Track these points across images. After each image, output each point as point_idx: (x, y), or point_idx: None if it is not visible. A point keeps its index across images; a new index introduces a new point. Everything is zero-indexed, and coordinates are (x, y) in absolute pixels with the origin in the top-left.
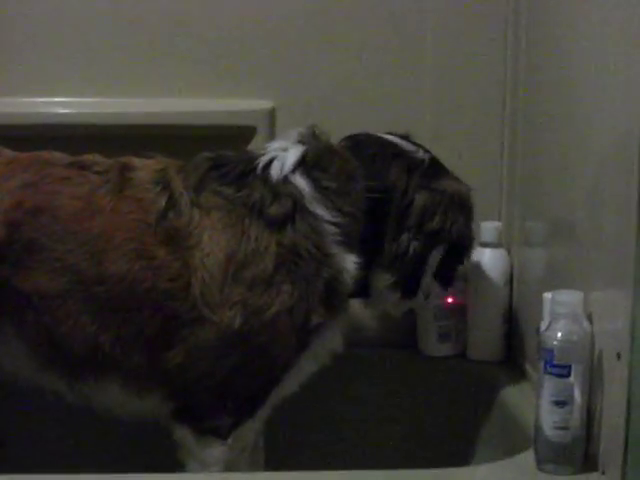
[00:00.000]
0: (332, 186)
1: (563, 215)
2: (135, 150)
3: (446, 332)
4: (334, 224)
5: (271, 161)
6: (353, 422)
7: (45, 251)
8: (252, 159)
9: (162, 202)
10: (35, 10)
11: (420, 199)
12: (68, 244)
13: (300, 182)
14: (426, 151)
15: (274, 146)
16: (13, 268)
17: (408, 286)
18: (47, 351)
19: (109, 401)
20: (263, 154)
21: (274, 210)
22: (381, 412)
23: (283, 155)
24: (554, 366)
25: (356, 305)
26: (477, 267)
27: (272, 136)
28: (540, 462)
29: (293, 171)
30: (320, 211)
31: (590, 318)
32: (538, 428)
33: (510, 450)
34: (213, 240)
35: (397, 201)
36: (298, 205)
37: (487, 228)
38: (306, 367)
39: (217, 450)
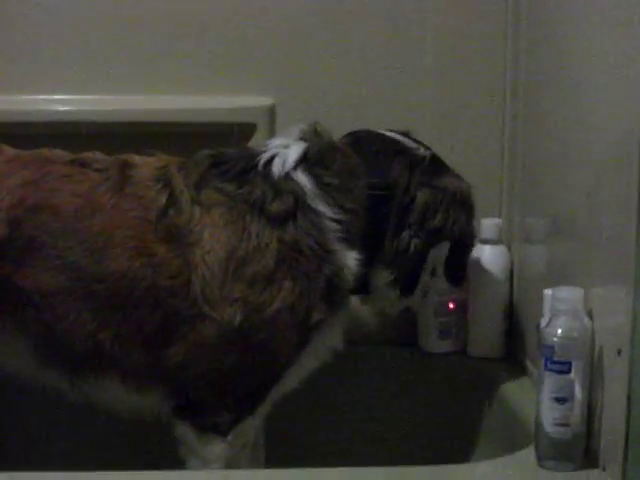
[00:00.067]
0: (334, 183)
1: (563, 212)
2: (135, 147)
3: (446, 329)
4: (336, 221)
5: (272, 158)
6: (353, 419)
7: (46, 248)
8: (253, 156)
9: (163, 199)
10: (35, 8)
11: (422, 196)
12: (69, 241)
13: (302, 179)
14: (427, 148)
15: (275, 143)
16: (14, 265)
17: (407, 284)
18: (48, 348)
19: (109, 398)
20: (264, 151)
21: (275, 207)
22: (381, 409)
23: (284, 152)
24: (554, 362)
25: (356, 302)
26: (477, 264)
27: (272, 133)
28: (541, 459)
29: (295, 168)
30: (322, 208)
31: (590, 314)
32: (538, 424)
33: (510, 447)
34: (214, 237)
35: (399, 198)
36: (299, 202)
37: (487, 225)
38: (306, 364)
39: (217, 447)
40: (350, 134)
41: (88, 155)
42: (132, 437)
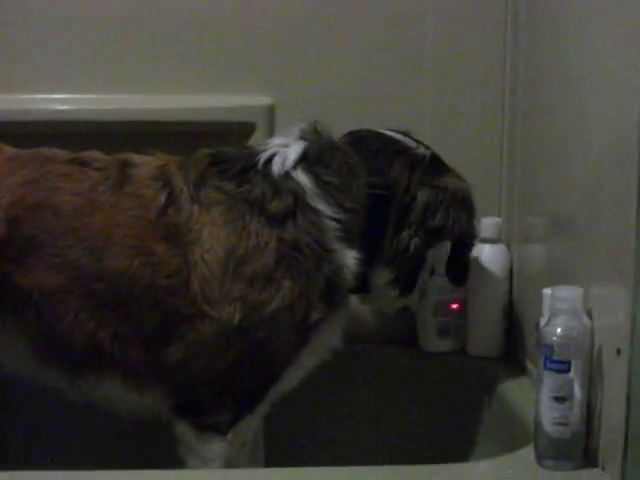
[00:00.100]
0: (334, 181)
1: (563, 211)
2: (135, 147)
3: (446, 328)
4: (335, 220)
5: (272, 157)
6: (353, 418)
7: (45, 247)
8: (253, 155)
9: (162, 198)
10: (35, 7)
11: (422, 196)
12: (68, 240)
13: (301, 178)
14: (427, 147)
15: (275, 142)
16: (13, 264)
17: (406, 283)
18: (47, 347)
19: (109, 397)
20: (264, 150)
21: (275, 206)
22: (381, 408)
23: (284, 151)
24: (554, 362)
25: (355, 301)
26: (477, 263)
27: (272, 132)
28: (540, 458)
29: (294, 167)
30: (321, 207)
31: (590, 314)
32: (538, 424)
33: (510, 446)
34: (213, 236)
35: (399, 197)
36: (299, 201)
37: (487, 224)
38: (306, 363)
39: (217, 446)
40: (350, 133)
41: (87, 154)
42: (132, 436)
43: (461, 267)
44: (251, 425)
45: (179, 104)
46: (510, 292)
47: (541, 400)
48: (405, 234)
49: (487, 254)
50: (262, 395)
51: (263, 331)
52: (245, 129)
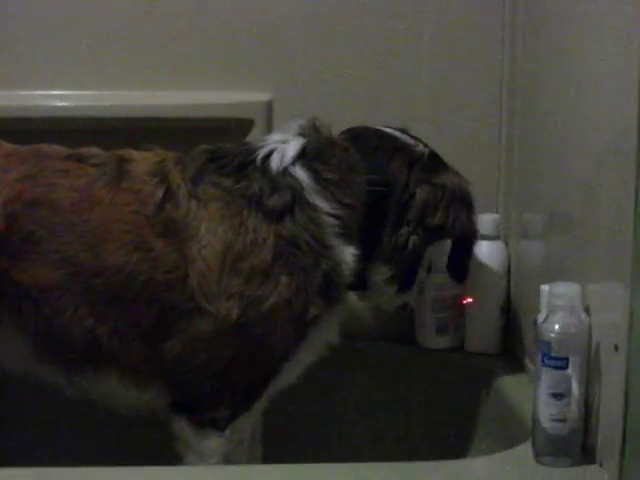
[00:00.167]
0: (333, 178)
1: (560, 207)
2: (134, 143)
3: (444, 324)
4: (334, 216)
5: (271, 153)
6: (351, 414)
7: (43, 243)
8: (251, 151)
9: (159, 194)
10: (34, 4)
11: (421, 193)
12: (66, 236)
13: (300, 174)
14: (425, 145)
15: (274, 138)
16: (11, 260)
17: (405, 280)
18: (45, 343)
19: (107, 393)
20: (262, 146)
21: (273, 201)
22: (379, 405)
23: (283, 147)
24: (551, 358)
25: (353, 297)
26: (475, 259)
27: (270, 128)
28: (538, 454)
29: (293, 163)
30: (320, 203)
31: (587, 310)
32: (536, 420)
33: (508, 442)
34: (210, 231)
35: (397, 195)
36: (297, 196)
37: (485, 220)
38: (303, 358)
39: (215, 442)
40: (348, 130)
41: (85, 150)
42: (130, 433)
43: (462, 264)
44: (249, 421)
45: (177, 100)
46: (508, 288)
47: (539, 396)
48: (403, 231)
49: (485, 251)
50: (260, 391)
51: (261, 327)
52: (243, 125)
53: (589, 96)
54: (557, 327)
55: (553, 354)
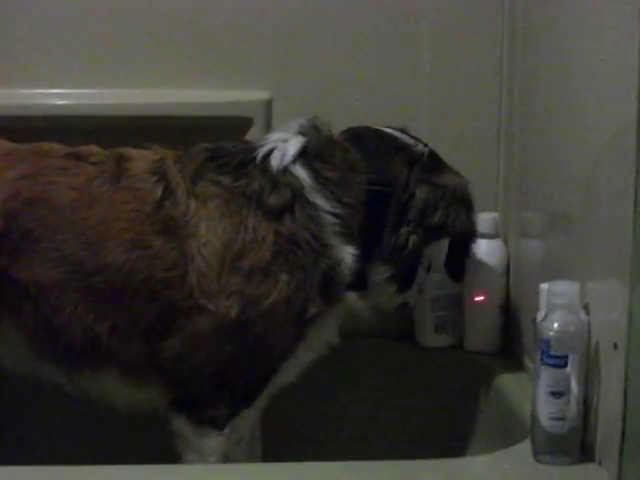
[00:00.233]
0: (333, 177)
1: (560, 206)
2: (133, 141)
3: (443, 323)
4: (334, 215)
5: (271, 151)
6: (350, 413)
7: (42, 241)
8: (251, 149)
9: (159, 192)
10: (34, 2)
11: (421, 193)
12: (65, 234)
13: (300, 173)
14: (425, 145)
15: (274, 137)
16: (10, 258)
17: (405, 279)
18: (45, 341)
19: (107, 391)
20: (263, 145)
21: (273, 200)
22: (378, 403)
23: (283, 146)
24: (551, 357)
25: (353, 296)
26: (474, 258)
27: (269, 127)
28: (537, 453)
29: (293, 162)
30: (320, 201)
31: (587, 309)
32: (535, 419)
33: (507, 441)
34: (210, 229)
35: (397, 195)
36: (297, 195)
37: (484, 219)
38: (303, 357)
39: (214, 440)
40: (348, 130)
41: (84, 148)
42: (129, 431)
43: (460, 263)
44: (248, 420)
45: (177, 99)
46: (507, 287)
47: (538, 395)
48: (403, 231)
49: (484, 249)
50: (259, 389)
51: (260, 325)
52: (242, 124)
53: (588, 94)
54: (556, 325)
55: (552, 352)
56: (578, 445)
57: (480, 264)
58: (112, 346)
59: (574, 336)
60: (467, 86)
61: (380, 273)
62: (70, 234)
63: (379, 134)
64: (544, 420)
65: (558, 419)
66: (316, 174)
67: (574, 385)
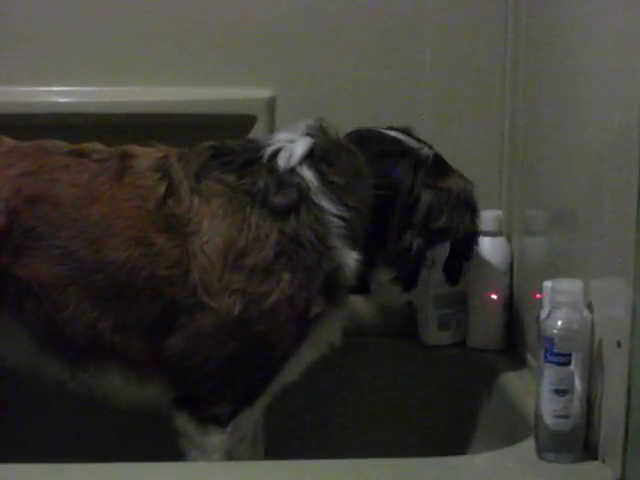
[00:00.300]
0: (339, 181)
1: (563, 204)
2: (135, 139)
3: (446, 320)
4: (339, 217)
5: (278, 151)
6: (353, 411)
7: (45, 239)
8: (257, 149)
9: (162, 189)
10: (35, 0)
11: (426, 198)
12: (68, 231)
13: (307, 174)
14: (429, 147)
15: (280, 137)
16: (13, 256)
17: (409, 281)
18: (47, 339)
19: (109, 389)
20: (269, 144)
21: (279, 199)
22: (381, 401)
23: (290, 146)
24: (554, 354)
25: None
26: (477, 256)
27: (272, 125)
28: (540, 450)
29: (300, 163)
30: (325, 204)
31: (590, 306)
32: (538, 416)
33: (510, 439)
34: (213, 227)
35: (402, 199)
36: (303, 196)
37: (487, 217)
38: (305, 356)
39: (217, 438)
40: (352, 133)
41: (87, 146)
42: (132, 429)
43: (458, 267)
44: (251, 418)
45: (179, 96)
46: (510, 285)
47: (541, 393)
48: (408, 234)
49: (488, 247)
50: (262, 388)
51: (263, 323)
52: (245, 122)
53: (592, 94)
54: (560, 323)
55: (556, 350)
56: (581, 443)
57: (483, 262)
58: (115, 343)
59: (578, 334)
60: (471, 85)
61: (384, 275)
62: (73, 231)
63: (383, 137)
64: (548, 418)
65: (562, 417)
66: (322, 176)
67: (578, 383)
